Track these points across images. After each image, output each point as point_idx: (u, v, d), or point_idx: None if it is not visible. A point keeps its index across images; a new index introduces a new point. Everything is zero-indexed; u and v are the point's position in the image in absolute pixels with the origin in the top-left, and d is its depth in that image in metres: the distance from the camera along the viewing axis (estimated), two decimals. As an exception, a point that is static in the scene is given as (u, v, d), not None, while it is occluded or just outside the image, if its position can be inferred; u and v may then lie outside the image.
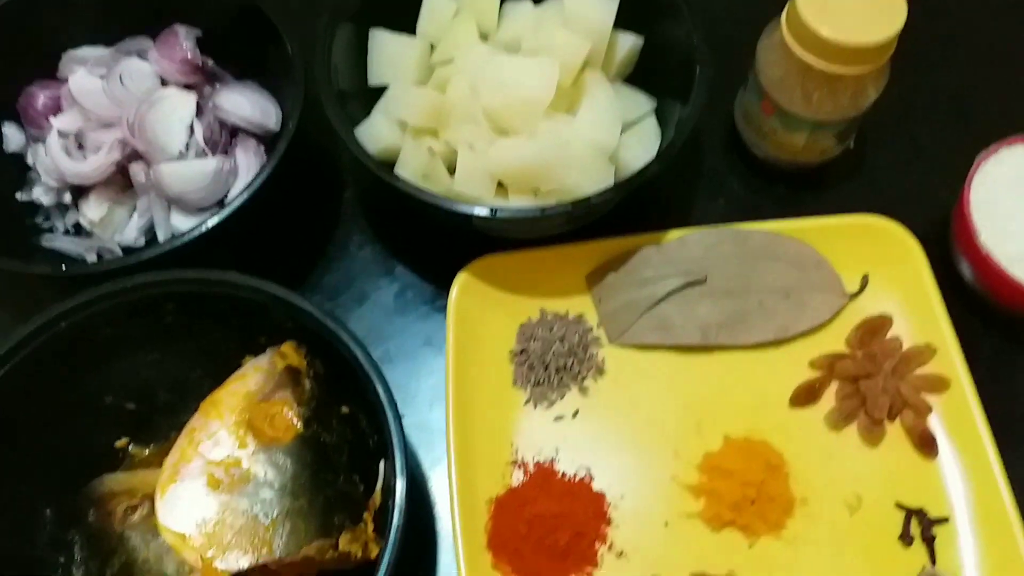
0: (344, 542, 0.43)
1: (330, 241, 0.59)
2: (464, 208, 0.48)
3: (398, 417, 0.43)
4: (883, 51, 0.48)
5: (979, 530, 0.48)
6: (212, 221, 0.49)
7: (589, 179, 0.51)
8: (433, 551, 0.50)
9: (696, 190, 0.60)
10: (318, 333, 0.45)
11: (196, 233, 0.49)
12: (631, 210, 0.55)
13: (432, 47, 0.58)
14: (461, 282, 0.53)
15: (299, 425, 0.45)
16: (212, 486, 0.42)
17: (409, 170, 0.52)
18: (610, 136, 0.53)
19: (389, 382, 0.42)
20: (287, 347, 0.47)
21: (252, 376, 0.46)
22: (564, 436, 0.52)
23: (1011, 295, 0.50)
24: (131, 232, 0.57)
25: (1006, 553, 0.46)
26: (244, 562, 0.41)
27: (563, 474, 0.50)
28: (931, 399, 0.51)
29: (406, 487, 0.41)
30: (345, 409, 0.47)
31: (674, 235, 0.54)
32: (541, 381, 0.53)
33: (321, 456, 0.45)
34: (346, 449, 0.46)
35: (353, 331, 0.43)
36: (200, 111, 0.57)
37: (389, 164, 0.53)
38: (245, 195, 0.50)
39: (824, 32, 0.47)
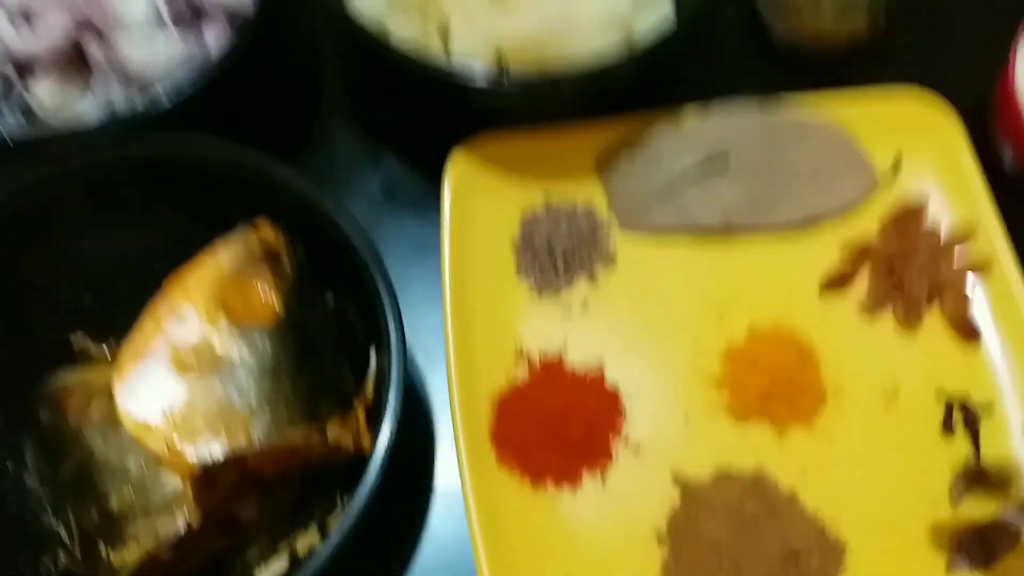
0: (333, 430, 0.38)
1: (310, 128, 0.54)
2: (470, 78, 0.43)
3: (394, 298, 0.38)
4: None
5: (1027, 416, 0.44)
6: (171, 101, 0.44)
7: (599, 49, 0.46)
8: (431, 452, 0.46)
9: (716, 70, 0.55)
10: (303, 211, 0.40)
11: (157, 110, 0.43)
12: (645, 87, 0.50)
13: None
14: (457, 162, 0.48)
15: (278, 306, 0.39)
16: (179, 368, 0.37)
17: (404, 39, 0.47)
18: (620, 3, 0.48)
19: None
20: (263, 223, 0.42)
21: (224, 252, 0.41)
22: (573, 328, 0.47)
23: None
24: (88, 119, 0.51)
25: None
26: (218, 451, 0.36)
27: (573, 367, 0.46)
28: (972, 280, 0.47)
29: (402, 371, 0.36)
30: (332, 296, 0.42)
31: (692, 110, 0.49)
32: (546, 268, 0.48)
33: (304, 340, 0.40)
34: (333, 336, 0.41)
35: (345, 207, 0.39)
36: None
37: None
38: (212, 72, 0.44)
39: None
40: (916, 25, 0.56)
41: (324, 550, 0.33)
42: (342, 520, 0.34)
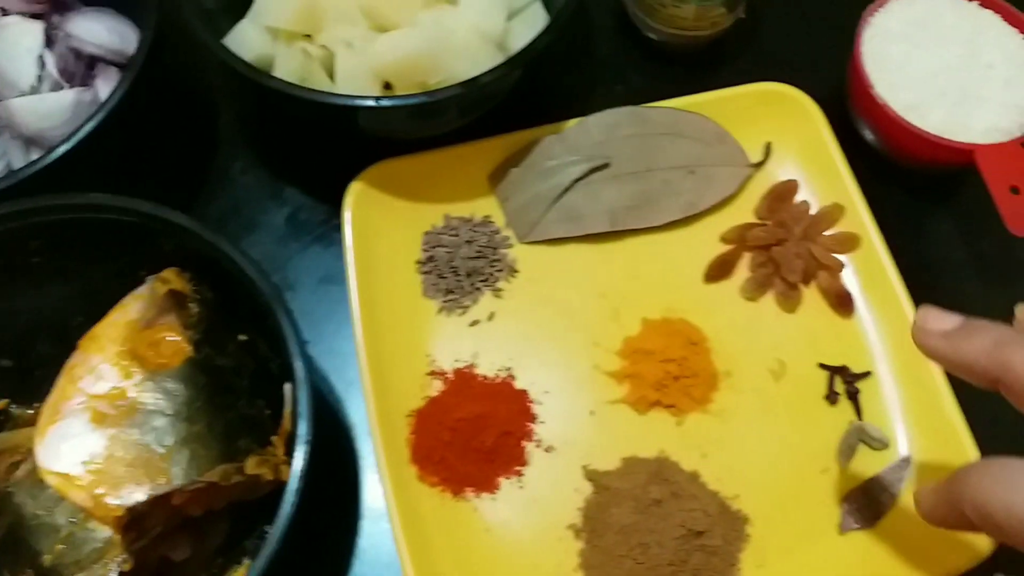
0: (252, 465, 0.40)
1: (210, 170, 0.55)
2: (347, 101, 0.45)
3: (296, 331, 0.40)
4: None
5: (900, 380, 0.48)
6: (63, 148, 0.44)
7: (478, 67, 0.48)
8: (355, 474, 0.48)
9: (593, 80, 0.58)
10: (205, 255, 0.42)
11: (45, 162, 0.44)
12: (529, 104, 0.53)
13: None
14: (356, 192, 0.50)
15: (188, 348, 0.41)
16: (96, 421, 0.39)
17: (285, 74, 0.49)
18: (494, 21, 0.50)
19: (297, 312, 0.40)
20: (168, 272, 0.43)
21: (132, 305, 0.42)
22: (481, 340, 0.49)
23: (909, 143, 0.50)
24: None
25: (927, 399, 0.46)
26: (139, 494, 0.37)
27: (483, 377, 0.48)
28: (843, 258, 0.51)
29: (309, 400, 0.38)
30: (243, 336, 0.44)
31: (573, 122, 0.52)
32: (452, 288, 0.50)
33: (217, 379, 0.41)
34: (247, 374, 0.43)
35: (244, 249, 0.40)
36: (51, 41, 0.52)
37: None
38: (101, 115, 0.45)
39: None
40: (776, 15, 0.60)
41: (250, 580, 0.35)
42: (263, 548, 0.35)
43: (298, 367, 0.39)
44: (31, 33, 0.51)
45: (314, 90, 0.45)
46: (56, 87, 0.51)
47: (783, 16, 0.60)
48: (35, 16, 0.53)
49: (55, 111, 0.50)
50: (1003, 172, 0.48)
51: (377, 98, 0.45)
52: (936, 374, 0.46)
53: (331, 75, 0.50)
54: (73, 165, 0.46)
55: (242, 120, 0.57)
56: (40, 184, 0.45)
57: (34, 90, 0.51)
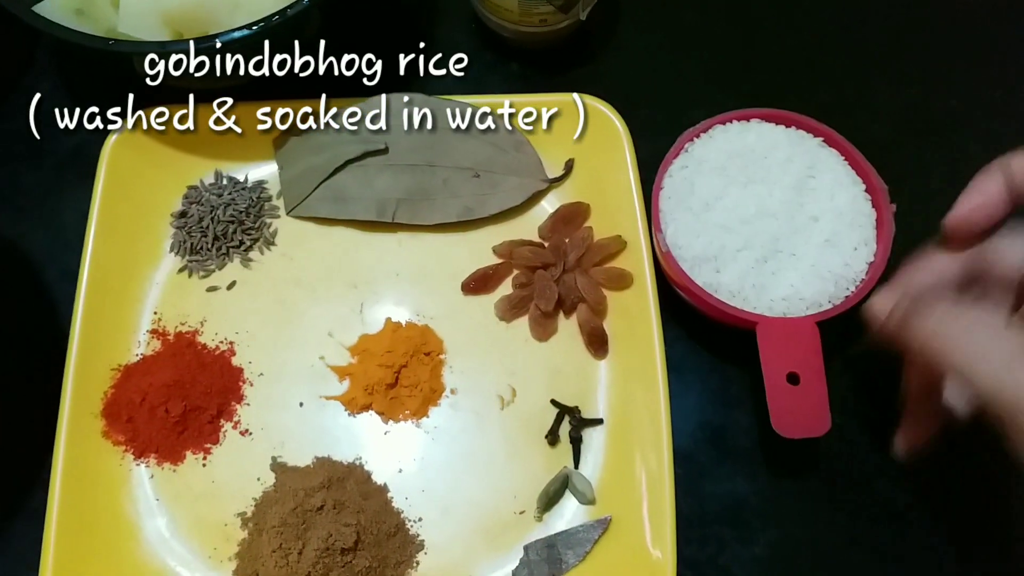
0: None
1: (17, 88, 0.54)
2: (79, 39, 0.42)
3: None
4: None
5: (630, 438, 0.44)
6: None
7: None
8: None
9: (418, 59, 0.54)
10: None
11: None
12: (339, 75, 0.50)
13: None
14: (120, 134, 0.48)
15: None
16: None
17: (61, 4, 0.47)
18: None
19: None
20: None
21: None
22: (214, 307, 0.47)
23: (691, 295, 0.44)
24: None
25: (652, 468, 0.42)
26: None
27: (203, 346, 0.46)
28: (612, 296, 0.47)
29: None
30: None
31: (361, 102, 0.49)
32: (199, 248, 0.48)
33: None
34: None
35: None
36: None
37: None
38: None
39: None
40: (635, 32, 0.56)
41: None
42: None
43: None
44: None
45: (65, 28, 0.43)
46: None
47: (643, 36, 0.56)
48: None
49: None
50: (783, 355, 0.41)
51: (110, 40, 0.42)
52: (665, 438, 0.42)
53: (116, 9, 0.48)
54: None
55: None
56: None
57: None
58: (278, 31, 0.43)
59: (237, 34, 0.42)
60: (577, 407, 0.45)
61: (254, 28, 0.42)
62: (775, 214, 0.43)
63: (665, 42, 0.56)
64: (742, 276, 0.43)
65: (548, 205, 0.50)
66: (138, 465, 0.44)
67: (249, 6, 0.47)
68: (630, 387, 0.45)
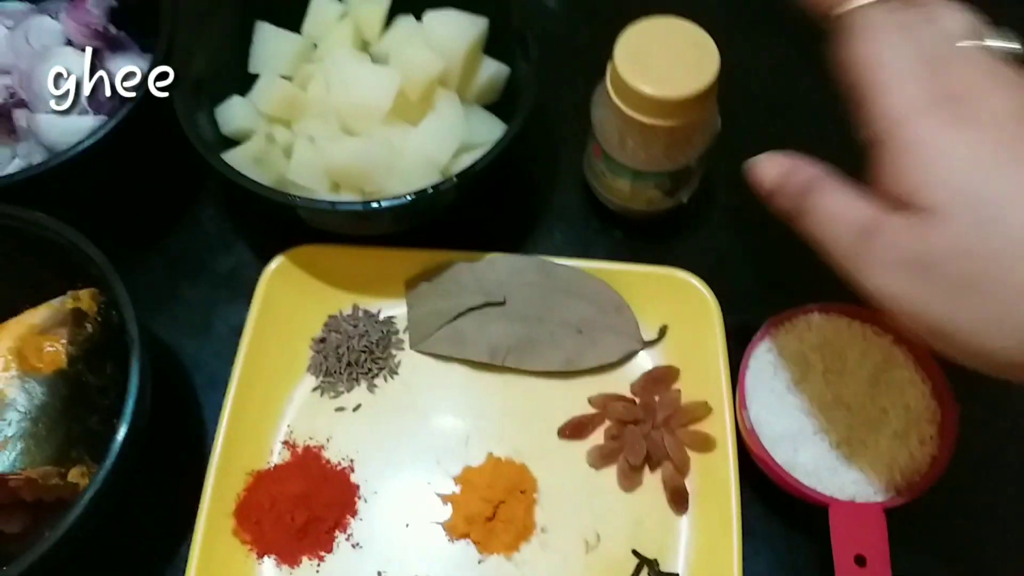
0: (75, 474, 0.45)
1: (185, 212, 0.63)
2: (258, 189, 0.50)
3: (144, 380, 0.45)
4: (686, 107, 0.49)
5: (702, 592, 0.48)
6: (45, 164, 0.53)
7: (412, 187, 0.53)
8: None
9: (536, 221, 0.62)
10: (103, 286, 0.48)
11: (30, 173, 0.53)
12: (468, 229, 0.58)
13: (315, 47, 0.62)
14: (276, 264, 0.55)
15: (63, 360, 0.47)
16: (-35, 399, 0.45)
17: (245, 153, 0.56)
18: (442, 151, 0.55)
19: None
20: (85, 292, 0.50)
21: (42, 311, 0.49)
22: (339, 426, 0.54)
23: (770, 471, 0.48)
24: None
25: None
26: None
27: (327, 461, 0.52)
28: (695, 457, 0.51)
29: (127, 439, 0.43)
30: (111, 366, 0.49)
31: (488, 255, 0.56)
32: (333, 372, 0.55)
33: (79, 393, 0.47)
34: (112, 395, 0.49)
35: (124, 289, 0.47)
36: (93, 72, 0.62)
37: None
38: (89, 141, 0.53)
39: (627, 78, 0.48)
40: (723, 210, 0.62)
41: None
42: (33, 549, 0.41)
43: (130, 405, 0.44)
44: (77, 62, 0.61)
45: (247, 177, 0.51)
46: (83, 112, 0.60)
47: (734, 220, 0.62)
48: (94, 49, 0.62)
49: (72, 130, 0.59)
50: (852, 537, 0.44)
51: (295, 196, 0.50)
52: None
53: (288, 159, 0.57)
54: (56, 180, 0.54)
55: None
56: (27, 188, 0.53)
57: (64, 111, 0.60)
58: (425, 200, 0.51)
59: (397, 201, 0.49)
60: (656, 560, 0.49)
61: (407, 198, 0.50)
62: (849, 404, 0.48)
63: (756, 228, 0.62)
64: (817, 458, 0.47)
65: (641, 363, 0.55)
66: (260, 563, 0.50)
67: (401, 170, 0.55)
68: (706, 546, 0.49)
